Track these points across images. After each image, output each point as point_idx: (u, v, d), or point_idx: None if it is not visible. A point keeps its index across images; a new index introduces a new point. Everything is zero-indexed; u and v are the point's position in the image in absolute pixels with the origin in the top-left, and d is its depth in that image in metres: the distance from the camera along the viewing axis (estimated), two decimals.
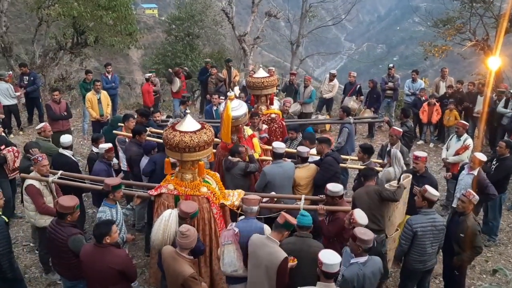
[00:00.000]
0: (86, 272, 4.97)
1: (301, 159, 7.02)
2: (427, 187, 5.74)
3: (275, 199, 6.56)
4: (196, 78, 17.16)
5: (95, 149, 7.75)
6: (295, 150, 7.53)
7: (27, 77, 12.37)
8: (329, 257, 4.28)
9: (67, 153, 7.51)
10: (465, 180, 7.36)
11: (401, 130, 8.19)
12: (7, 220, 5.83)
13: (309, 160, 7.17)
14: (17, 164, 7.75)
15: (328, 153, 7.10)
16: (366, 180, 6.31)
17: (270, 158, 7.60)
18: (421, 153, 7.11)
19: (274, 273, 4.59)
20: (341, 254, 5.24)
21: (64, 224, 5.25)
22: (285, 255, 4.58)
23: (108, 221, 5.18)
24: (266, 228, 5.22)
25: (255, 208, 5.30)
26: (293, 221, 4.85)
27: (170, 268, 4.73)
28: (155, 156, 7.12)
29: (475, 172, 7.21)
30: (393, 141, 8.04)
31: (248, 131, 7.75)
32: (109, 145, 7.30)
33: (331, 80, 13.37)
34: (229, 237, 5.11)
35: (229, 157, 6.91)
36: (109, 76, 13.08)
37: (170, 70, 14.04)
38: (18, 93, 12.02)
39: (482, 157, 7.31)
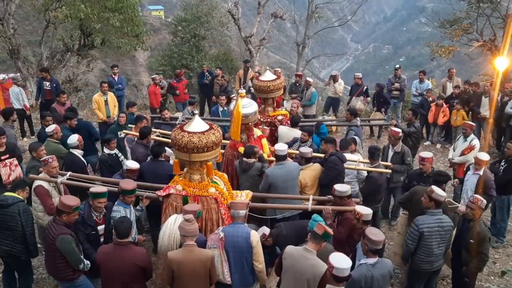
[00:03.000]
0: (105, 273, 4.98)
1: (305, 160, 7.03)
2: (434, 187, 5.72)
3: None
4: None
5: (106, 151, 7.80)
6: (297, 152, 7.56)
7: (48, 83, 12.21)
8: (340, 261, 4.27)
9: (76, 152, 7.58)
10: (470, 180, 7.35)
11: (399, 130, 8.20)
12: None
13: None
14: (12, 178, 7.62)
15: (333, 152, 7.12)
16: (437, 185, 6.11)
17: None
18: (427, 154, 7.13)
19: (316, 285, 4.51)
20: (354, 254, 5.27)
21: (59, 222, 5.28)
22: (326, 266, 4.49)
23: (126, 217, 5.32)
24: (253, 233, 5.17)
25: (242, 212, 5.27)
26: (332, 231, 4.82)
27: (194, 261, 4.71)
28: (145, 164, 7.12)
29: (481, 172, 7.19)
30: (392, 141, 8.11)
31: (257, 132, 7.77)
32: (136, 166, 6.87)
33: (335, 81, 13.36)
34: (215, 241, 5.08)
35: (244, 159, 6.92)
36: (116, 78, 13.15)
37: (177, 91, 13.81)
38: (28, 100, 12.12)
39: (484, 156, 7.30)
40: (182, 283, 4.78)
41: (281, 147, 6.91)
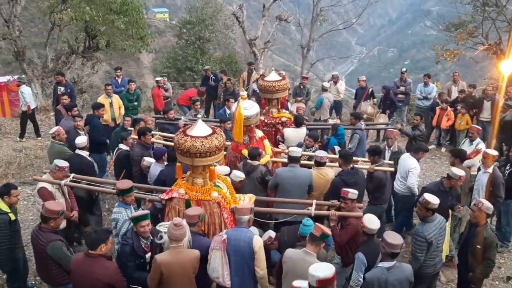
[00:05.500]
0: (74, 282, 4.94)
1: (316, 163, 6.99)
2: (428, 198, 5.55)
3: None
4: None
5: (123, 147, 7.92)
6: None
7: (62, 88, 11.83)
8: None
9: (83, 153, 7.60)
10: (481, 180, 7.27)
11: (396, 131, 8.24)
12: (13, 218, 5.91)
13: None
14: None
15: (340, 172, 6.84)
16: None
17: (281, 160, 7.81)
18: (460, 172, 6.65)
19: None
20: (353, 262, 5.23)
21: (45, 229, 5.25)
22: None
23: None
24: (256, 238, 5.13)
25: (246, 217, 5.21)
26: (329, 232, 4.80)
27: (184, 261, 4.75)
28: (165, 170, 7.08)
29: (490, 170, 7.13)
30: (389, 143, 8.19)
31: (259, 133, 7.79)
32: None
33: (336, 82, 13.31)
34: (218, 242, 5.05)
35: (248, 161, 6.90)
36: (119, 80, 13.12)
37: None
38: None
39: (493, 152, 7.29)
40: (172, 286, 4.75)
41: (295, 149, 6.95)
